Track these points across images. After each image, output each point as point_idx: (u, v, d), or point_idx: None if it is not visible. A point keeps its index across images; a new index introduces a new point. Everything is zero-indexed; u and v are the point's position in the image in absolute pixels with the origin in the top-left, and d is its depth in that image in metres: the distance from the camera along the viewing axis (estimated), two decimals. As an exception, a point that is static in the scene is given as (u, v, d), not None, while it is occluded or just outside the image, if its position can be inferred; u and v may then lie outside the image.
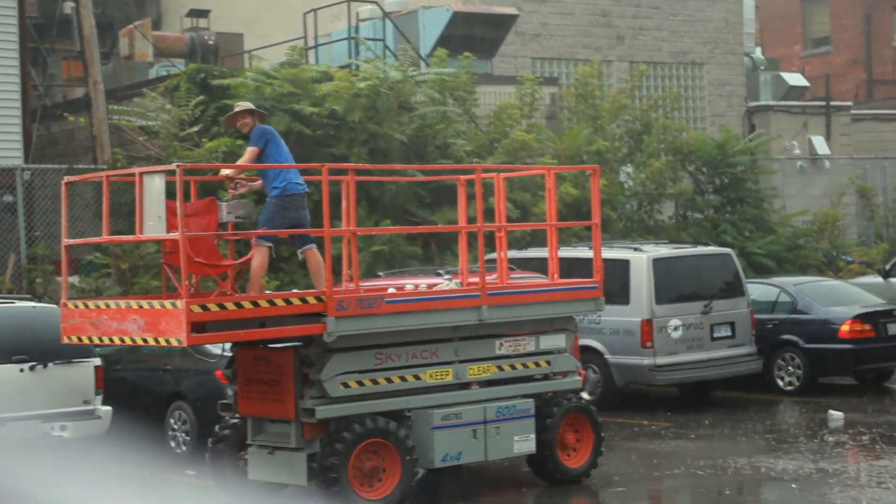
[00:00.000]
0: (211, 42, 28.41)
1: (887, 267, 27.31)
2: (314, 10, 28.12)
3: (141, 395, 16.87)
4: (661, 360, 19.37)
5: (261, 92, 22.49)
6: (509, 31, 29.68)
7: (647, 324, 19.32)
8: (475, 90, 25.34)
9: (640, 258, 19.67)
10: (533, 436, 13.82)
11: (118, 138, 23.28)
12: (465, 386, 13.58)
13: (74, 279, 19.47)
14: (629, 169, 26.67)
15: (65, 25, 29.76)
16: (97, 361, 15.45)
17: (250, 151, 12.98)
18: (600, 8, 33.45)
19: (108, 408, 15.82)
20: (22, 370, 14.99)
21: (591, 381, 19.19)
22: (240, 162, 13.63)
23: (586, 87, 27.27)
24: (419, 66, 25.87)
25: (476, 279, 13.81)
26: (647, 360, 19.34)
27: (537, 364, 14.22)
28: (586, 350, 19.04)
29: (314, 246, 13.31)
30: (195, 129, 22.23)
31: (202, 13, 29.51)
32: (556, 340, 14.44)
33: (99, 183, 14.42)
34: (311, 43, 28.02)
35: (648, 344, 19.32)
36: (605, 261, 19.44)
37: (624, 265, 19.65)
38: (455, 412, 13.26)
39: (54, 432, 15.16)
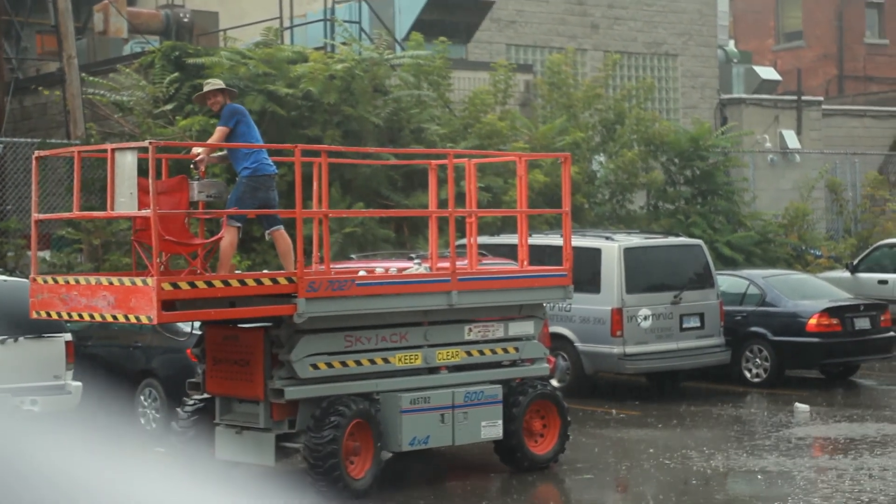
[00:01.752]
0: (186, 20, 28.30)
1: (855, 262, 27.40)
2: (290, -8, 28.25)
3: (111, 371, 16.81)
4: (630, 350, 19.42)
5: (235, 71, 22.47)
6: (485, 17, 29.65)
7: (618, 313, 19.33)
8: (450, 75, 25.37)
9: (612, 247, 19.68)
10: (500, 422, 13.84)
11: (92, 114, 23.21)
12: (434, 370, 13.59)
13: (46, 254, 19.46)
14: (601, 158, 26.73)
15: (38, 1, 29.74)
16: (68, 337, 15.39)
17: (220, 131, 13.00)
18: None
19: (79, 383, 15.76)
20: (-8, 343, 15.08)
21: (560, 369, 19.09)
22: (210, 141, 13.53)
23: (560, 76, 27.31)
24: (395, 49, 25.89)
25: (446, 264, 13.83)
26: (616, 349, 19.36)
27: (506, 350, 14.25)
28: (556, 338, 19.10)
29: (282, 227, 13.36)
30: (169, 106, 22.28)
31: (175, -10, 29.52)
32: (524, 327, 14.47)
33: (71, 158, 14.14)
34: (286, 24, 27.95)
35: (618, 333, 19.33)
36: (577, 249, 19.42)
37: (595, 254, 19.64)
38: (423, 396, 13.27)
39: (24, 406, 15.07)
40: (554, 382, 18.53)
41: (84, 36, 28.69)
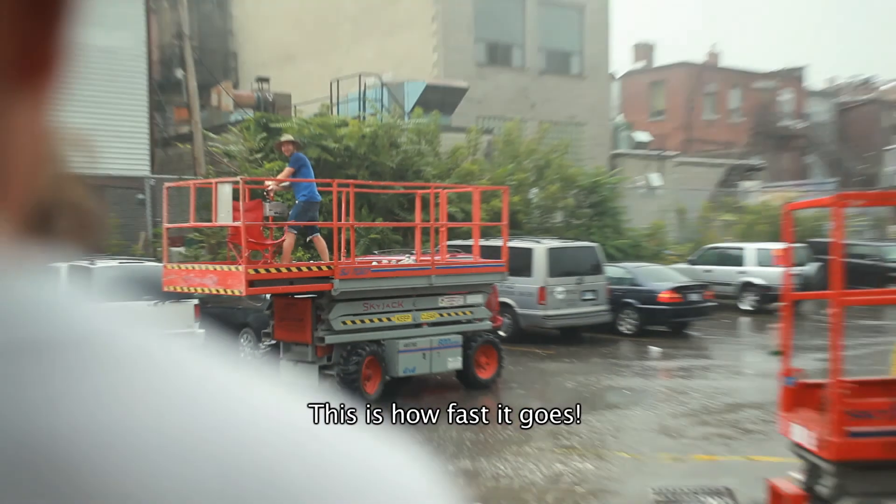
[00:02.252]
0: (270, 98, 28.22)
1: (691, 258, 27.94)
2: (337, 80, 28.05)
3: (223, 323, 16.91)
4: (549, 313, 19.57)
5: (301, 132, 22.19)
6: (462, 98, 29.63)
7: (542, 290, 19.47)
8: (439, 135, 25.28)
9: (540, 248, 19.86)
10: (460, 358, 14.14)
11: (210, 160, 23.16)
12: (419, 325, 13.89)
13: (181, 249, 19.79)
14: (535, 190, 26.90)
15: (177, 84, 29.77)
16: (195, 301, 15.75)
17: (287, 171, 13.14)
18: (521, 86, 33.60)
19: (203, 330, 16.14)
20: (149, 305, 15.44)
21: (506, 325, 19.22)
22: (279, 177, 13.65)
23: (510, 137, 27.32)
24: (404, 118, 25.77)
25: (428, 258, 14.15)
26: (541, 312, 19.52)
27: (464, 313, 14.48)
28: (504, 305, 19.08)
29: (318, 234, 13.61)
30: (259, 155, 22.35)
31: (265, 79, 29.36)
32: (476, 298, 14.68)
33: (206, 186, 14.74)
34: (335, 101, 27.87)
35: (542, 302, 19.48)
36: (518, 249, 19.63)
37: (529, 252, 19.73)
38: (412, 342, 13.61)
39: None
40: (501, 333, 18.97)
41: (205, 108, 28.89)
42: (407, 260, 14.59)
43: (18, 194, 0.43)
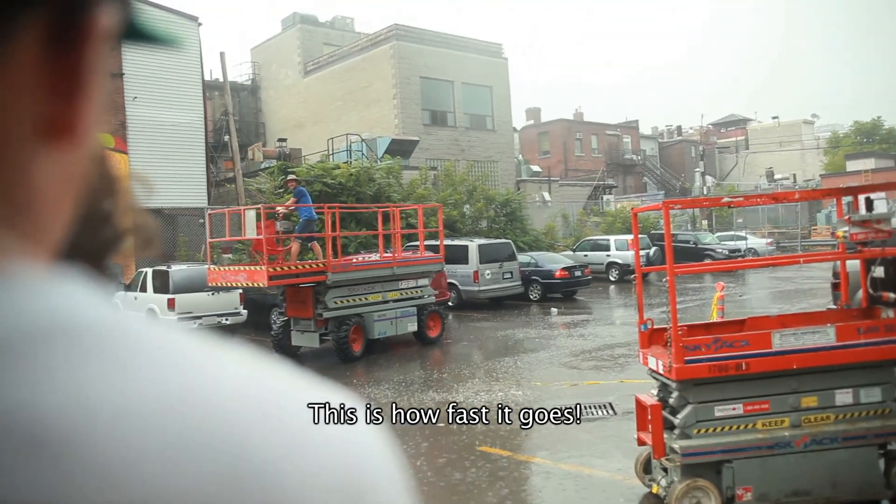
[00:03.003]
0: (287, 152, 27.77)
1: (573, 247, 27.71)
2: (332, 139, 27.94)
3: (258, 305, 16.75)
4: (482, 288, 19.20)
5: (309, 173, 21.90)
6: (415, 147, 29.22)
7: (476, 272, 19.12)
8: (401, 172, 24.83)
9: (473, 244, 19.49)
10: (416, 323, 13.60)
11: (248, 194, 22.59)
12: (387, 302, 13.23)
13: (229, 255, 19.36)
14: (468, 206, 26.79)
15: (224, 145, 29.32)
16: (240, 290, 15.30)
17: (292, 200, 12.78)
18: (454, 138, 33.30)
19: (245, 311, 15.85)
20: (208, 294, 15.04)
21: (453, 298, 18.98)
22: (287, 203, 13.22)
23: (448, 172, 26.99)
24: (377, 162, 25.46)
25: (390, 255, 13.62)
26: (476, 288, 19.15)
27: (416, 291, 13.80)
28: (451, 284, 18.89)
29: (315, 242, 13.11)
30: (281, 190, 21.65)
31: (283, 140, 28.84)
32: (424, 281, 14.04)
33: (236, 213, 14.28)
34: (330, 152, 27.47)
35: (476, 281, 19.14)
36: (458, 245, 19.43)
37: (466, 248, 19.43)
38: (383, 313, 13.03)
39: (223, 321, 15.16)
40: (449, 304, 18.78)
41: (244, 160, 28.34)
42: (375, 257, 14.07)
43: (51, 234, 0.38)
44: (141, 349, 0.35)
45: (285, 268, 11.90)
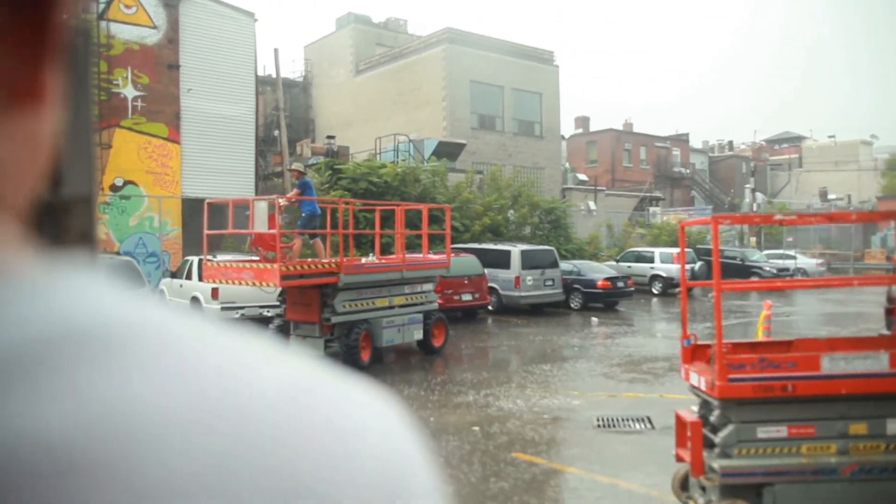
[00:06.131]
0: (336, 149, 28.02)
1: (617, 258, 27.32)
2: (379, 138, 28.11)
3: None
4: (523, 294, 19.07)
5: (356, 171, 21.96)
6: (462, 150, 29.23)
7: (518, 278, 19.02)
8: (447, 174, 24.87)
9: (516, 250, 19.38)
10: (421, 331, 12.78)
11: (293, 187, 23.14)
12: (393, 307, 12.37)
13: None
14: (512, 212, 26.75)
15: (274, 140, 29.76)
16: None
17: (295, 191, 11.88)
18: (501, 143, 33.25)
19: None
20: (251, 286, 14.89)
21: (493, 302, 18.93)
22: (290, 195, 12.24)
23: (494, 176, 26.93)
24: (423, 163, 25.48)
25: (394, 256, 13.07)
26: (517, 294, 19.01)
27: (422, 297, 12.97)
28: (492, 289, 18.78)
29: (318, 238, 12.31)
30: (327, 185, 21.83)
31: (332, 137, 29.01)
32: (428, 286, 13.16)
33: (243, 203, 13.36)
34: (377, 151, 27.61)
35: (518, 286, 19.03)
36: (501, 250, 19.33)
37: (508, 252, 19.31)
38: (391, 320, 12.18)
39: (265, 313, 14.67)
40: (489, 308, 18.45)
41: (292, 155, 28.67)
42: (372, 257, 13.38)
43: (16, 200, 0.36)
44: (176, 354, 0.33)
45: (297, 266, 10.91)
